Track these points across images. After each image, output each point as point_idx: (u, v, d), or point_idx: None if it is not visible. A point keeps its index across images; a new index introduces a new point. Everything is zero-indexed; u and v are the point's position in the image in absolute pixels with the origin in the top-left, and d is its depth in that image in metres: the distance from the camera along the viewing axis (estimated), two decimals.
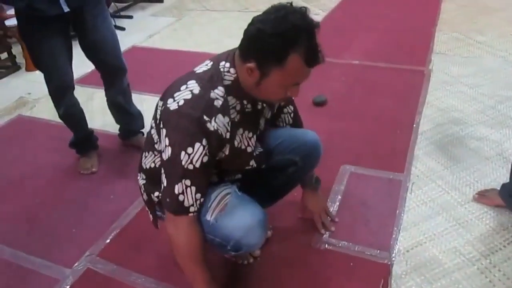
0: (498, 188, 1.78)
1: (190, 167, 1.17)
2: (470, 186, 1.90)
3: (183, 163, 1.16)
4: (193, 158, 1.16)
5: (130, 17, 4.64)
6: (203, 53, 3.45)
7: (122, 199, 2.00)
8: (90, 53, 2.03)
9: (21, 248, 1.77)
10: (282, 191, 1.63)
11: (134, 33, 4.17)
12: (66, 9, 1.78)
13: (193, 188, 1.19)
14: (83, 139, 2.24)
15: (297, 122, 1.60)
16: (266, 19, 1.09)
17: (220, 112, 1.18)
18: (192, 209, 1.21)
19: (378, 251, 1.62)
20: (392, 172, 2.01)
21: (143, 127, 2.37)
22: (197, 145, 1.15)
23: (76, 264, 1.67)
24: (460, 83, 2.74)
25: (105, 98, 2.27)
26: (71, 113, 2.09)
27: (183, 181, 1.18)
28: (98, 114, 2.71)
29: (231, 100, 1.22)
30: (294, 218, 1.79)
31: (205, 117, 1.15)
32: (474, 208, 1.78)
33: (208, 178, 1.26)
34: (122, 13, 4.71)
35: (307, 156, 1.51)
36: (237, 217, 1.24)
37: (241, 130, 1.29)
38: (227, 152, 1.26)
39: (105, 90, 2.21)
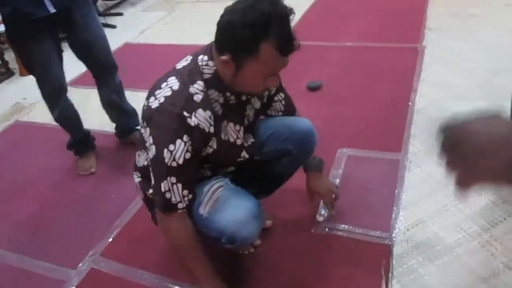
0: None
1: (174, 164, 1.16)
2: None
3: (166, 160, 1.16)
4: (175, 155, 1.15)
5: (121, 14, 4.62)
6: (198, 45, 3.37)
7: (123, 197, 2.01)
8: (81, 53, 2.03)
9: (26, 253, 1.79)
10: (279, 181, 1.62)
11: (126, 30, 4.15)
12: (52, 10, 1.77)
13: (179, 185, 1.19)
14: (80, 140, 2.25)
15: (290, 109, 1.56)
16: (235, 9, 1.07)
17: (201, 106, 1.17)
18: (180, 205, 1.21)
19: (379, 232, 1.62)
20: (389, 152, 2.01)
21: (138, 124, 2.37)
22: (178, 141, 1.14)
23: (80, 265, 1.69)
24: (456, 58, 2.71)
25: None
26: (66, 115, 2.10)
27: (168, 178, 1.18)
28: (95, 114, 2.69)
29: (213, 94, 1.21)
30: (292, 204, 1.79)
31: (185, 112, 1.14)
32: None
33: (195, 174, 1.26)
34: (112, 11, 4.69)
35: (301, 144, 1.48)
36: (230, 211, 1.23)
37: (225, 123, 1.27)
38: (215, 146, 1.25)
39: (98, 89, 2.21)
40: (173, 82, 1.18)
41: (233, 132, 1.31)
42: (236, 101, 1.28)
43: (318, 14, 3.78)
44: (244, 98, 1.32)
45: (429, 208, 1.69)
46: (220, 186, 1.30)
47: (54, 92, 2.01)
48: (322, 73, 2.78)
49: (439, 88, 2.44)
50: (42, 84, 1.99)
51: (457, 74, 2.55)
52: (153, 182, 1.23)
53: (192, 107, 1.16)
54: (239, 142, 1.33)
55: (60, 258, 1.74)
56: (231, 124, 1.29)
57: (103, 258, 1.71)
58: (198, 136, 1.18)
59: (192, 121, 1.15)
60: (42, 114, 2.83)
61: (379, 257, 1.53)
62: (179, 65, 1.25)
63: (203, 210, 1.26)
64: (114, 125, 2.40)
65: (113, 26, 4.22)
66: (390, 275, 1.46)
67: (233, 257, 1.61)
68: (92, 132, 2.34)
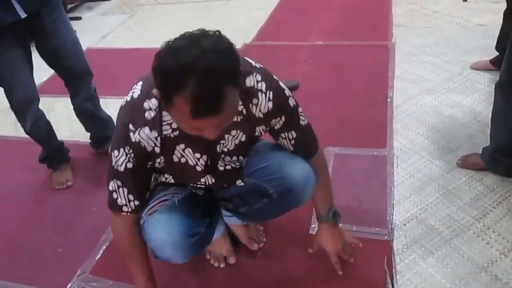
0: (478, 152, 1.84)
1: (119, 168, 1.15)
2: (452, 154, 1.94)
3: (112, 163, 1.15)
4: (118, 161, 1.14)
5: (79, 18, 4.42)
6: None
7: (105, 210, 1.85)
8: (51, 60, 1.90)
9: (7, 278, 1.65)
10: (263, 216, 1.47)
11: (86, 35, 3.94)
12: (23, 15, 1.65)
13: (125, 189, 1.18)
14: (54, 152, 2.12)
15: (301, 153, 1.30)
16: (164, 47, 0.89)
17: (148, 125, 1.08)
18: (125, 208, 1.20)
19: (377, 228, 1.63)
20: (375, 149, 2.03)
21: None
22: (121, 150, 1.12)
23: (68, 286, 1.58)
24: (424, 53, 2.80)
25: (67, 106, 2.16)
26: (39, 126, 1.96)
27: (114, 180, 1.17)
28: (63, 124, 2.56)
29: (167, 116, 1.09)
30: None
31: (131, 126, 1.08)
32: (459, 174, 1.83)
33: (143, 182, 1.22)
34: (69, 15, 4.46)
35: (284, 193, 1.28)
36: (155, 228, 1.22)
37: (182, 146, 1.16)
38: (163, 164, 1.19)
39: (71, 97, 2.09)
40: (137, 88, 1.10)
41: (192, 158, 1.19)
42: None
43: (285, 14, 3.79)
44: None
45: (421, 202, 1.72)
46: (167, 200, 1.28)
47: (24, 103, 1.87)
48: (295, 73, 2.78)
49: (414, 83, 2.51)
50: (11, 95, 1.85)
51: (428, 69, 2.63)
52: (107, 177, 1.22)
53: (140, 123, 1.08)
54: (198, 169, 1.22)
55: (46, 281, 1.61)
56: (189, 150, 1.17)
57: (94, 276, 1.60)
58: (139, 152, 1.12)
59: (135, 137, 1.09)
60: (3, 127, 2.66)
61: (380, 254, 1.54)
62: None
63: (144, 214, 1.25)
64: (85, 134, 2.29)
65: None
66: (393, 270, 1.47)
67: (232, 267, 1.57)
68: (64, 143, 2.21)
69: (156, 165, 1.19)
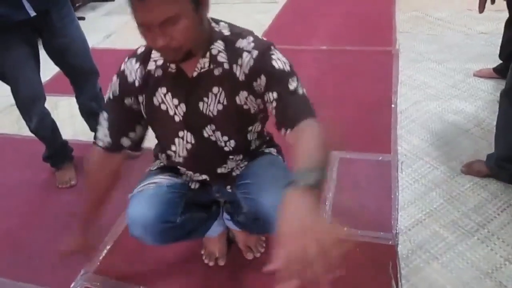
0: (481, 158, 1.85)
1: (107, 98, 1.23)
2: (456, 160, 1.95)
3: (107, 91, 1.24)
4: (111, 87, 1.21)
5: (82, 18, 4.42)
6: None
7: (109, 209, 1.82)
8: (58, 57, 1.90)
9: (8, 276, 1.64)
10: (248, 229, 1.50)
11: (90, 35, 3.84)
12: (32, 13, 1.65)
13: (105, 123, 1.23)
14: (58, 151, 2.11)
15: (285, 117, 1.08)
16: None
17: (136, 57, 1.17)
18: (99, 143, 1.25)
19: (381, 233, 1.64)
20: (380, 154, 2.04)
21: None
22: (113, 79, 1.21)
23: (72, 285, 1.57)
24: (428, 60, 2.81)
25: (71, 105, 2.17)
26: (44, 125, 1.96)
27: (103, 111, 1.25)
28: (66, 123, 2.56)
29: (156, 53, 1.14)
30: None
31: (127, 58, 1.19)
32: (463, 180, 1.84)
33: (120, 122, 1.24)
34: None
35: (253, 216, 1.29)
36: (134, 204, 1.27)
37: (164, 90, 1.16)
38: (145, 107, 1.21)
39: (76, 96, 2.09)
40: None
41: (171, 105, 1.18)
42: (176, 72, 1.13)
43: (289, 18, 3.81)
44: (194, 74, 1.12)
45: (426, 207, 1.73)
46: (155, 183, 1.32)
47: (30, 101, 1.87)
48: (301, 77, 2.78)
49: (418, 89, 2.51)
50: (17, 93, 1.84)
51: (432, 76, 2.64)
52: None
53: (132, 55, 1.19)
54: (177, 119, 1.20)
55: (49, 279, 1.61)
56: (169, 95, 1.17)
57: (97, 275, 1.60)
58: (122, 81, 1.19)
59: (124, 66, 1.19)
60: (7, 124, 2.65)
61: (384, 258, 1.54)
62: None
63: (134, 190, 1.32)
64: (88, 133, 2.28)
65: None
66: (398, 275, 1.47)
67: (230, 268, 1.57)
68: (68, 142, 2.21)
69: (140, 106, 1.21)
